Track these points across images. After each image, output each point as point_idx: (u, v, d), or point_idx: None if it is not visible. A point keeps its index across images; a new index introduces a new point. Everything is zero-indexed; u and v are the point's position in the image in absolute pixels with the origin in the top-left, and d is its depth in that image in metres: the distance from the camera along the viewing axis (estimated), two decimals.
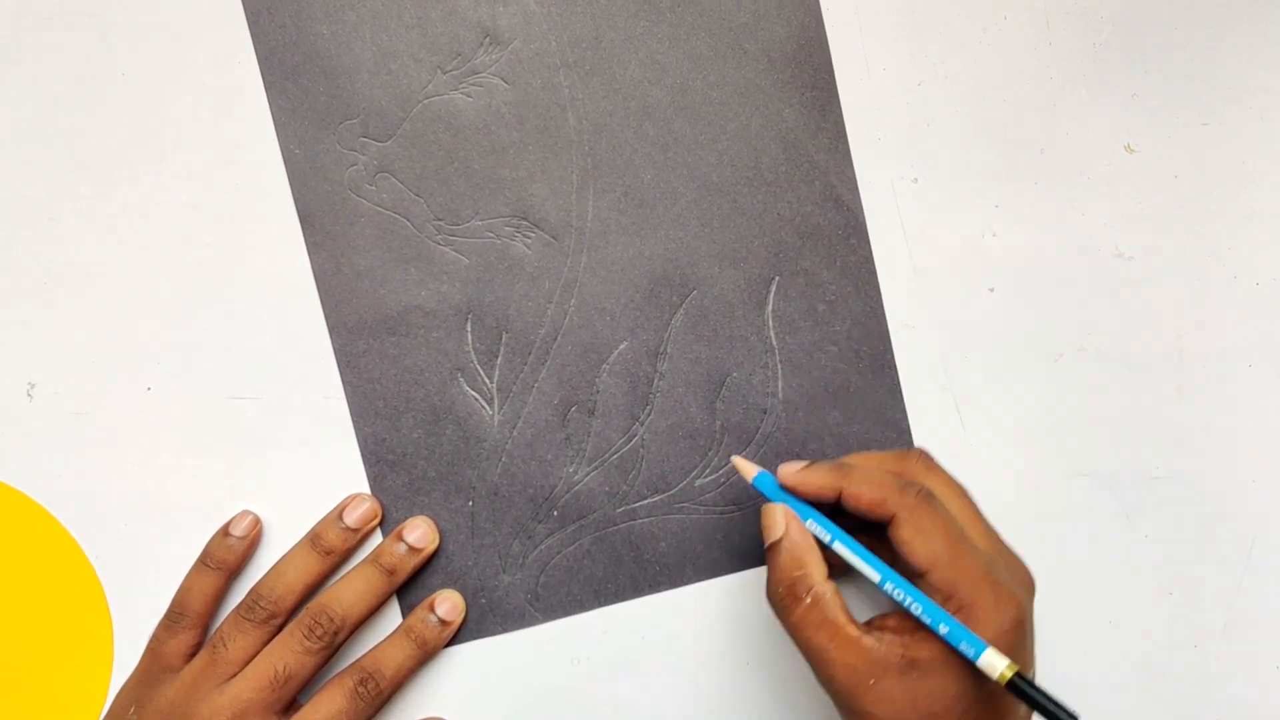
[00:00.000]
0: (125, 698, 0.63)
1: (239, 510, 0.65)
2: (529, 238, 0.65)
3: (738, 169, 0.65)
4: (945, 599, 0.55)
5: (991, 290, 0.66)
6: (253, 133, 0.65)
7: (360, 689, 0.62)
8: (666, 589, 0.65)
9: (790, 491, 0.59)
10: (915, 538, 0.56)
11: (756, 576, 0.65)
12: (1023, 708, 0.57)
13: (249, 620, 0.63)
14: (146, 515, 0.66)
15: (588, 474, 0.65)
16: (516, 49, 0.64)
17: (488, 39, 0.64)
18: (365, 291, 0.65)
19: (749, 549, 0.65)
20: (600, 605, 0.65)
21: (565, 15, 0.64)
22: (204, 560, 0.64)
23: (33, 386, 0.66)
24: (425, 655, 0.64)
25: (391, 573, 0.64)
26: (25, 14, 0.65)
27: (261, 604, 0.63)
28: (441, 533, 0.65)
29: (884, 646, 0.55)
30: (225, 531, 0.65)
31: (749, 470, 0.61)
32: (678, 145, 0.65)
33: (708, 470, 0.65)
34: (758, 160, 0.65)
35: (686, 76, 0.65)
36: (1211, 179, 0.66)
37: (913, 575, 0.56)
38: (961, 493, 0.59)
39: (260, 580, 0.64)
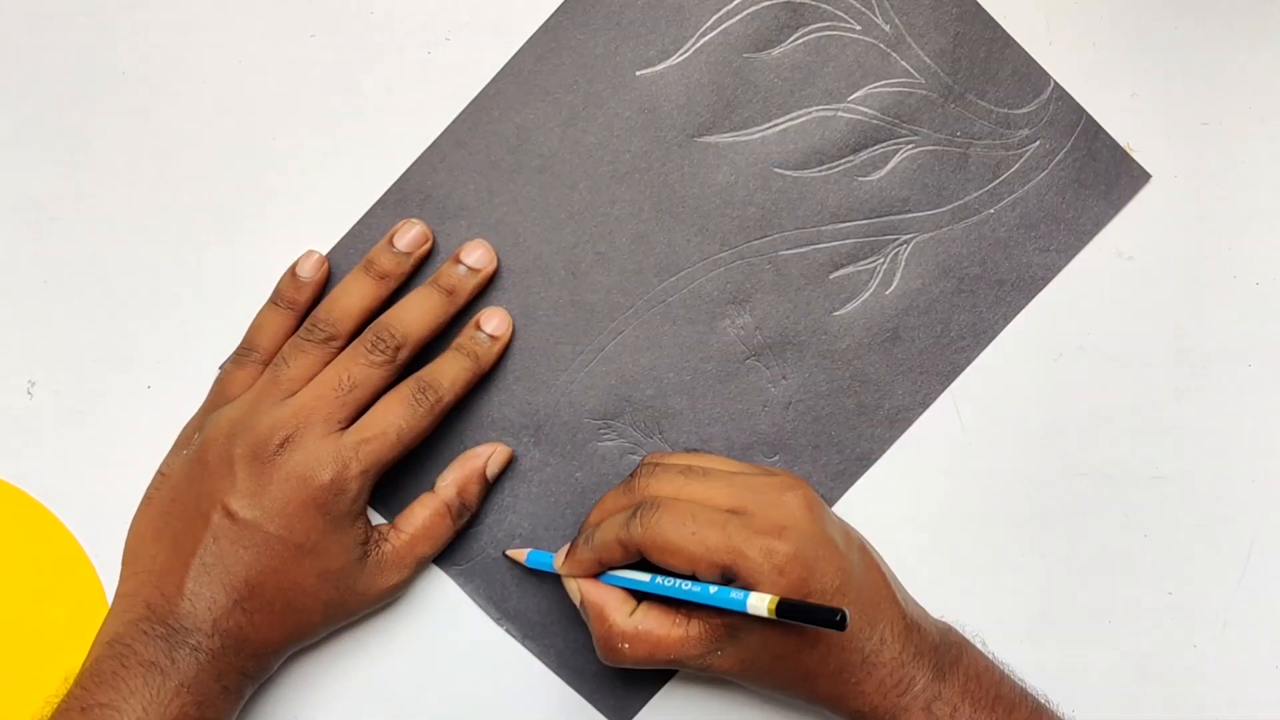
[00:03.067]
0: (190, 428, 0.64)
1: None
2: None
3: None
4: (722, 578, 0.57)
5: None
6: (253, 132, 0.66)
7: (419, 396, 0.62)
8: None
9: (566, 577, 0.62)
10: (662, 555, 0.58)
11: None
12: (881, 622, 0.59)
13: (309, 340, 0.63)
14: None
15: None
16: None
17: None
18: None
19: None
20: None
21: None
22: (274, 300, 0.65)
23: (33, 385, 0.66)
24: (479, 369, 0.64)
25: (451, 293, 0.64)
26: (25, 14, 0.65)
27: (320, 326, 0.63)
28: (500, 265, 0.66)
29: (706, 627, 0.58)
30: (293, 272, 0.65)
31: (520, 555, 0.65)
32: None
33: None
34: None
35: None
36: (1211, 179, 0.66)
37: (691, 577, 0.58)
38: (690, 467, 0.61)
39: (318, 306, 0.64)
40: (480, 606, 0.66)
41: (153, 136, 0.66)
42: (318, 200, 0.66)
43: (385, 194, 0.66)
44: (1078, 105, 0.65)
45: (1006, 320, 0.66)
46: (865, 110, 0.65)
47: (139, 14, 0.66)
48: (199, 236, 0.66)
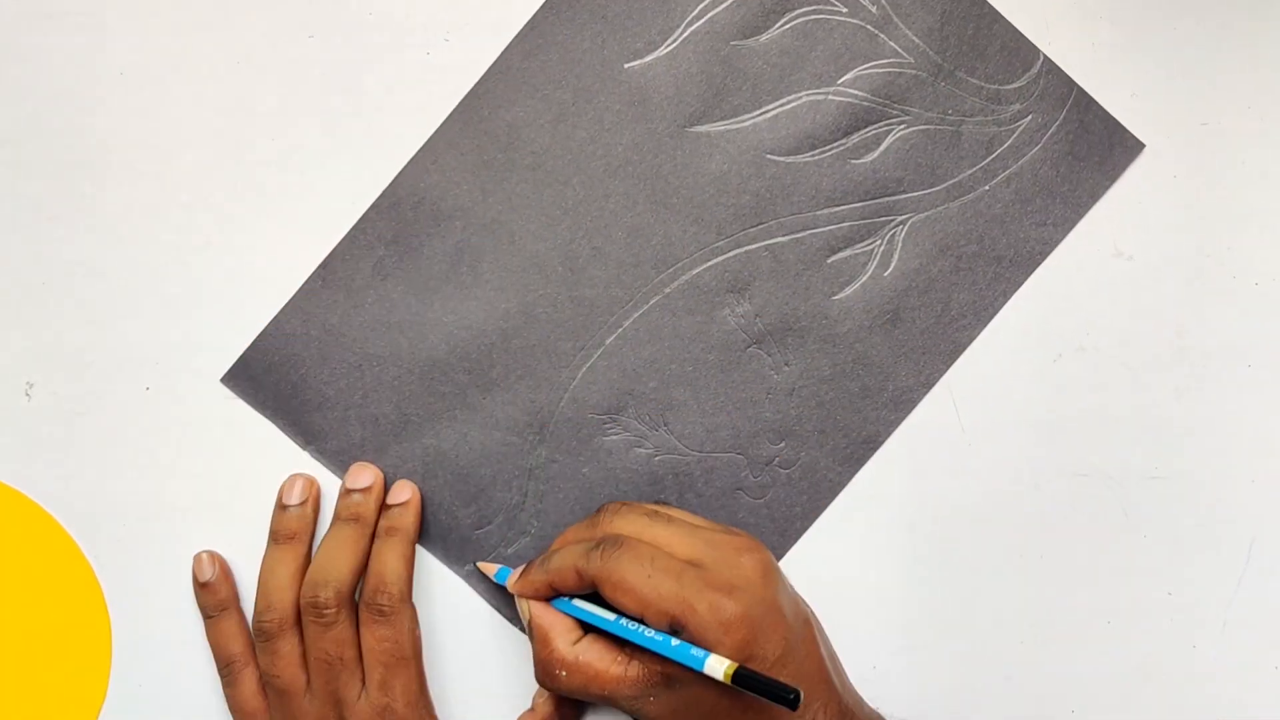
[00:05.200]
0: None
1: (237, 511, 0.66)
2: None
3: None
4: (670, 627, 0.57)
5: None
6: (253, 132, 0.66)
7: (381, 608, 0.63)
8: None
9: (518, 595, 0.63)
10: (615, 592, 0.58)
11: None
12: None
13: (267, 642, 0.63)
14: (145, 515, 0.66)
15: None
16: None
17: None
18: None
19: None
20: None
21: None
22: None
23: (31, 386, 0.66)
24: (410, 539, 0.65)
25: (356, 520, 0.65)
26: (25, 14, 0.66)
27: (265, 622, 0.63)
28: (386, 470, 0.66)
29: (643, 669, 0.58)
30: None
31: (489, 569, 0.65)
32: None
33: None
34: None
35: None
36: (1211, 179, 0.66)
37: (639, 622, 0.59)
38: (656, 514, 0.62)
39: (255, 604, 0.64)
40: (493, 606, 0.66)
41: (153, 136, 0.66)
42: (317, 200, 0.66)
43: (378, 199, 0.65)
44: (1068, 78, 0.65)
45: (1006, 296, 0.66)
46: (856, 92, 0.65)
47: (139, 14, 0.66)
48: (199, 236, 0.66)
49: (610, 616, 0.59)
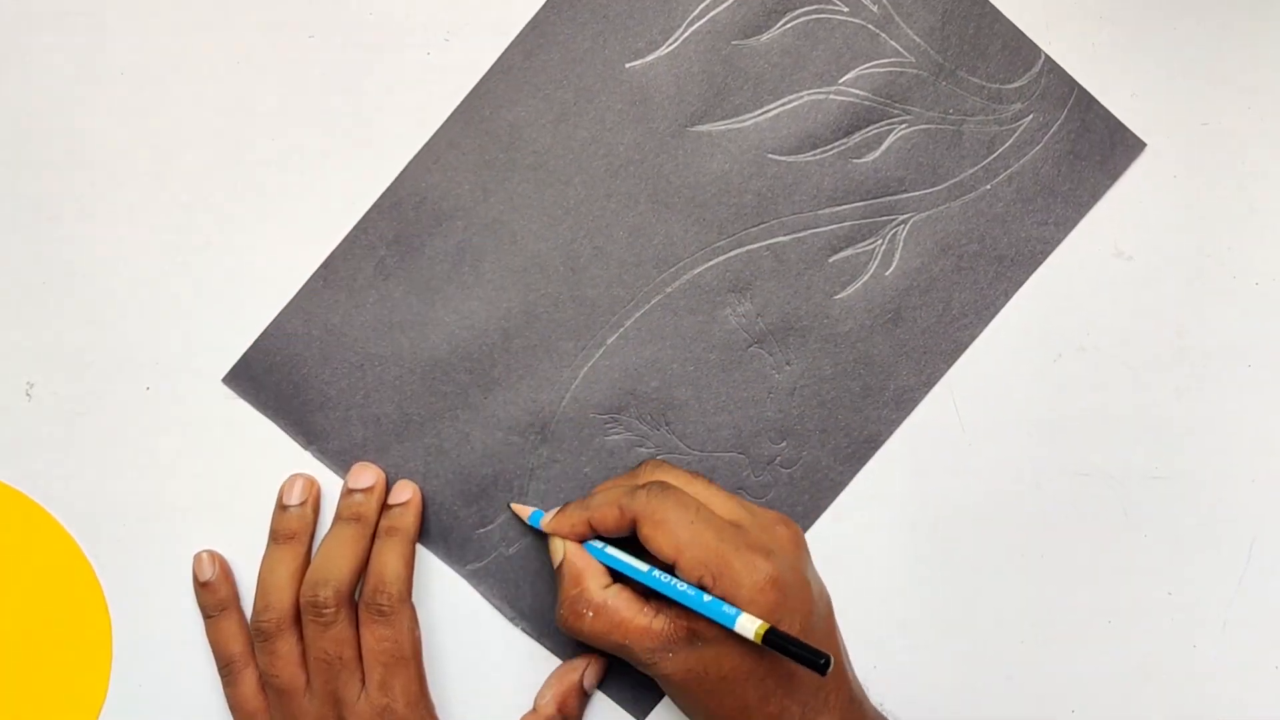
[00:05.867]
0: None
1: (238, 511, 0.66)
2: None
3: None
4: (699, 578, 0.58)
5: None
6: (253, 132, 0.66)
7: (382, 608, 0.63)
8: None
9: (553, 534, 0.63)
10: (654, 532, 0.59)
11: None
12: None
13: (266, 642, 0.63)
14: (145, 515, 0.66)
15: None
16: None
17: None
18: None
19: None
20: None
21: None
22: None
23: (31, 386, 0.66)
24: (410, 539, 0.65)
25: (357, 520, 0.65)
26: (25, 14, 0.65)
27: (264, 621, 0.63)
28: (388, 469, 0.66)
29: (669, 624, 0.59)
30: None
31: (524, 511, 0.65)
32: None
33: None
34: None
35: None
36: (1211, 179, 0.66)
37: (668, 568, 0.59)
38: (696, 476, 0.62)
39: (254, 604, 0.64)
40: (495, 606, 0.66)
41: (153, 136, 0.66)
42: (317, 200, 0.66)
43: (380, 198, 0.65)
44: (1070, 78, 0.65)
45: (1008, 296, 0.66)
46: (857, 92, 0.65)
47: (139, 14, 0.66)
48: (199, 236, 0.66)
49: (643, 567, 0.60)
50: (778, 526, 0.61)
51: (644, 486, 0.60)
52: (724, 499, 0.61)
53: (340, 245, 0.65)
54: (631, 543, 0.61)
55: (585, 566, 0.61)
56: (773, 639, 0.55)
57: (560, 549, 0.62)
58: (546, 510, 0.64)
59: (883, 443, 0.66)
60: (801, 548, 0.61)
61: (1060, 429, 0.66)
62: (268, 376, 0.66)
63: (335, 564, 0.63)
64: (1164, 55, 0.66)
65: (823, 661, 0.54)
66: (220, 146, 0.66)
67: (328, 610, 0.62)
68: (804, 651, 0.54)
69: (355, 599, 0.64)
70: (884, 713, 0.63)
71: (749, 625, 0.55)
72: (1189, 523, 0.66)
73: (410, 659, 0.63)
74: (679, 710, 0.62)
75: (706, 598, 0.57)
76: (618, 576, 0.61)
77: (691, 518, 0.59)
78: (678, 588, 0.58)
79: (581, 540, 0.62)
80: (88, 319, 0.66)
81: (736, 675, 0.58)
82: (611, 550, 0.61)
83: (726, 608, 0.56)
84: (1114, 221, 0.66)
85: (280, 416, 0.66)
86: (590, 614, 0.60)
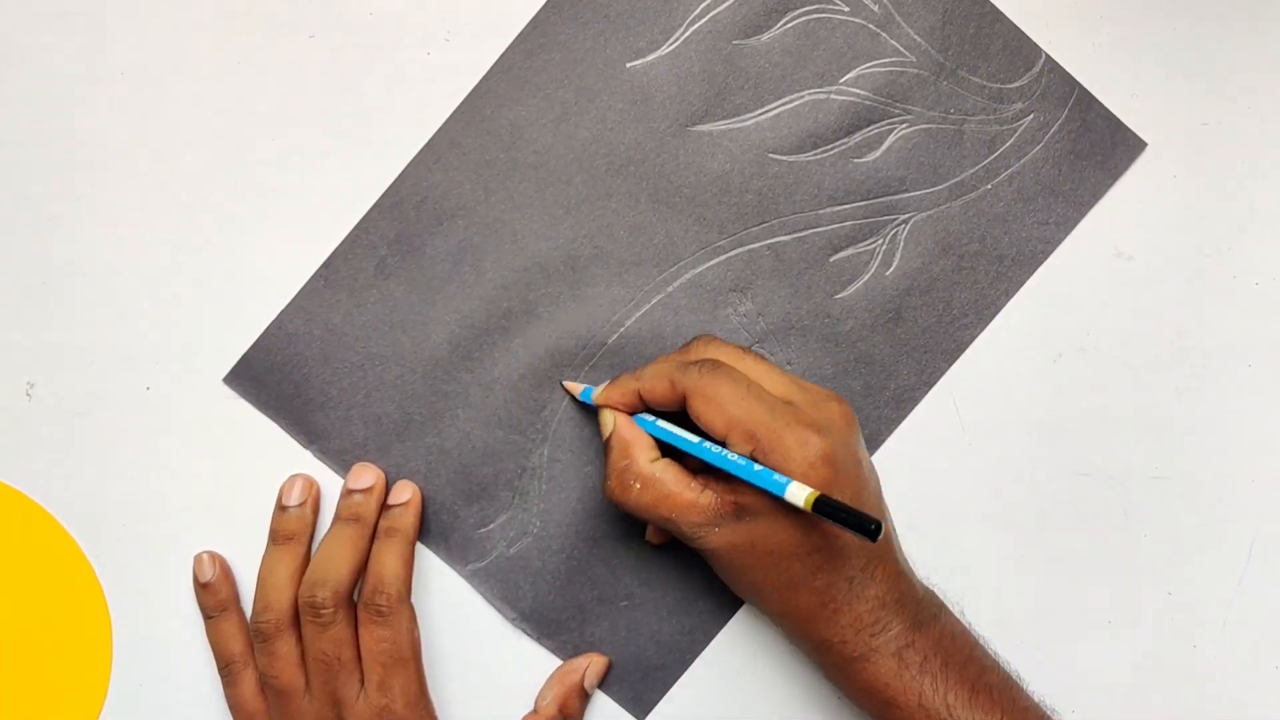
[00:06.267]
0: None
1: (238, 512, 0.66)
2: None
3: None
4: (750, 452, 0.57)
5: None
6: (253, 132, 0.66)
7: (380, 608, 0.63)
8: None
9: (602, 406, 0.63)
10: (706, 406, 0.59)
11: None
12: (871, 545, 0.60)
13: (265, 643, 0.63)
14: (146, 515, 0.66)
15: None
16: None
17: None
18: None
19: None
20: None
21: None
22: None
23: (32, 386, 0.66)
24: (409, 539, 0.65)
25: (356, 520, 0.64)
26: (25, 14, 0.65)
27: (263, 622, 0.63)
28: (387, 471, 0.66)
29: (717, 498, 0.59)
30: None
31: (575, 388, 0.65)
32: None
33: None
34: None
35: None
36: (1211, 179, 0.66)
37: (720, 442, 0.59)
38: (747, 351, 0.62)
39: (253, 605, 0.64)
40: (495, 607, 0.66)
41: (153, 136, 0.66)
42: (317, 200, 0.66)
43: (381, 198, 0.65)
44: (1070, 77, 0.66)
45: (1009, 295, 0.66)
46: (857, 91, 0.65)
47: (139, 14, 0.66)
48: (199, 236, 0.66)
49: (693, 439, 0.60)
50: (830, 403, 0.60)
51: (696, 363, 0.60)
52: (776, 375, 0.61)
53: (341, 245, 0.65)
54: (681, 421, 0.61)
55: (634, 439, 0.61)
56: (823, 506, 0.55)
57: (610, 420, 0.62)
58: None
59: (882, 442, 0.66)
60: (853, 425, 0.60)
61: (1060, 429, 0.66)
62: (269, 376, 0.66)
63: (334, 565, 0.63)
64: (1164, 55, 0.66)
65: (873, 526, 0.53)
66: (220, 146, 0.66)
67: (326, 611, 0.62)
68: (854, 518, 0.54)
69: (355, 599, 0.64)
70: (931, 586, 0.63)
71: (799, 493, 0.55)
72: (1189, 523, 0.66)
73: (409, 659, 0.63)
74: (726, 584, 0.62)
75: (757, 467, 0.57)
76: (666, 451, 0.61)
77: (743, 393, 0.58)
78: (726, 457, 0.58)
79: (631, 413, 0.62)
80: (88, 319, 0.66)
81: (784, 549, 0.58)
82: (661, 423, 0.61)
83: (778, 476, 0.56)
84: (1114, 222, 0.66)
85: (281, 416, 0.66)
86: (638, 486, 0.60)
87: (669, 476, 0.59)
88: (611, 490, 0.61)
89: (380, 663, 0.62)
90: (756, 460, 0.57)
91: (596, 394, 0.63)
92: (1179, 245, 0.66)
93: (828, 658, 0.60)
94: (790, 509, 0.57)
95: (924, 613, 0.60)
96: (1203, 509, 0.66)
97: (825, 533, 0.58)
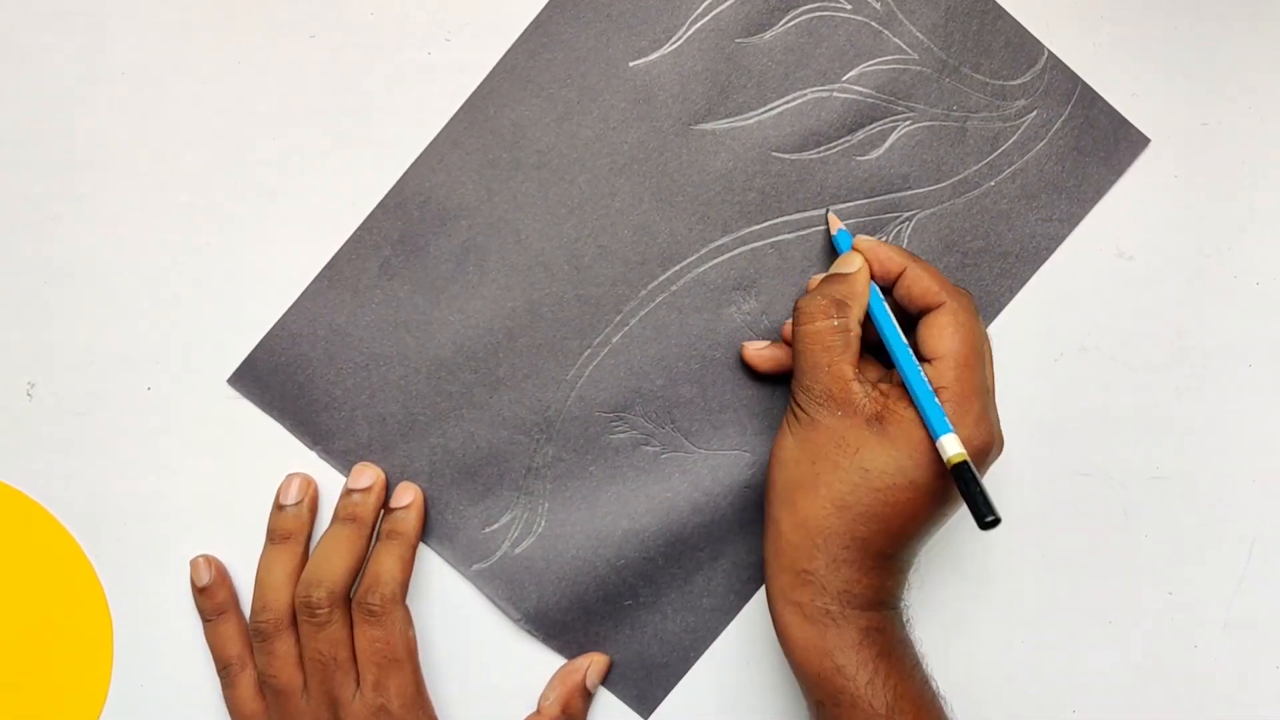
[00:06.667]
0: None
1: (239, 512, 0.66)
2: None
3: None
4: (941, 389, 0.58)
5: None
6: (253, 132, 0.66)
7: (373, 607, 0.63)
8: None
9: (860, 251, 0.62)
10: (949, 325, 0.59)
11: None
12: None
13: (264, 642, 0.63)
14: (146, 515, 0.66)
15: None
16: None
17: None
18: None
19: None
20: None
21: None
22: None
23: (32, 386, 0.66)
24: (411, 542, 0.65)
25: (353, 520, 0.64)
26: (25, 14, 0.65)
27: (262, 621, 0.63)
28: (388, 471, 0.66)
29: (866, 398, 0.58)
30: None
31: (835, 223, 0.65)
32: None
33: None
34: None
35: None
36: (1211, 179, 0.66)
37: (923, 358, 0.59)
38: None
39: (251, 604, 0.65)
40: (499, 608, 0.66)
41: (153, 136, 0.66)
42: (317, 200, 0.66)
43: (384, 198, 0.65)
44: (1073, 74, 0.66)
45: (1013, 292, 0.66)
46: (860, 89, 0.65)
47: (139, 14, 0.65)
48: (199, 236, 0.66)
49: (901, 335, 0.60)
50: (998, 428, 0.60)
51: (966, 293, 0.60)
52: (992, 373, 0.61)
53: (345, 245, 0.65)
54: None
55: (864, 295, 0.60)
56: (965, 471, 0.55)
57: (856, 263, 0.61)
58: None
59: None
60: (999, 452, 0.60)
61: (1061, 429, 0.66)
62: (273, 377, 0.66)
63: (330, 564, 0.63)
64: (1164, 55, 0.66)
65: (989, 519, 0.54)
66: (221, 147, 0.66)
67: (321, 611, 0.62)
68: (982, 499, 0.55)
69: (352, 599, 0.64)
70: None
71: (951, 446, 0.56)
72: (1189, 523, 0.66)
73: (404, 659, 0.63)
74: (773, 466, 0.60)
75: (937, 399, 0.57)
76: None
77: (981, 347, 0.59)
78: (921, 374, 0.58)
79: (873, 277, 0.61)
80: (88, 319, 0.66)
81: (874, 469, 0.57)
82: (885, 302, 0.61)
83: (947, 421, 0.57)
84: (1115, 222, 0.66)
85: (286, 417, 0.66)
86: (835, 323, 0.59)
87: (853, 350, 0.59)
88: (814, 305, 0.60)
89: (375, 663, 0.62)
90: (941, 398, 0.57)
91: (865, 239, 0.62)
92: (1179, 245, 0.66)
93: (792, 597, 0.59)
94: (916, 445, 0.57)
95: (896, 614, 0.60)
96: (1203, 509, 0.66)
97: (931, 486, 0.57)
